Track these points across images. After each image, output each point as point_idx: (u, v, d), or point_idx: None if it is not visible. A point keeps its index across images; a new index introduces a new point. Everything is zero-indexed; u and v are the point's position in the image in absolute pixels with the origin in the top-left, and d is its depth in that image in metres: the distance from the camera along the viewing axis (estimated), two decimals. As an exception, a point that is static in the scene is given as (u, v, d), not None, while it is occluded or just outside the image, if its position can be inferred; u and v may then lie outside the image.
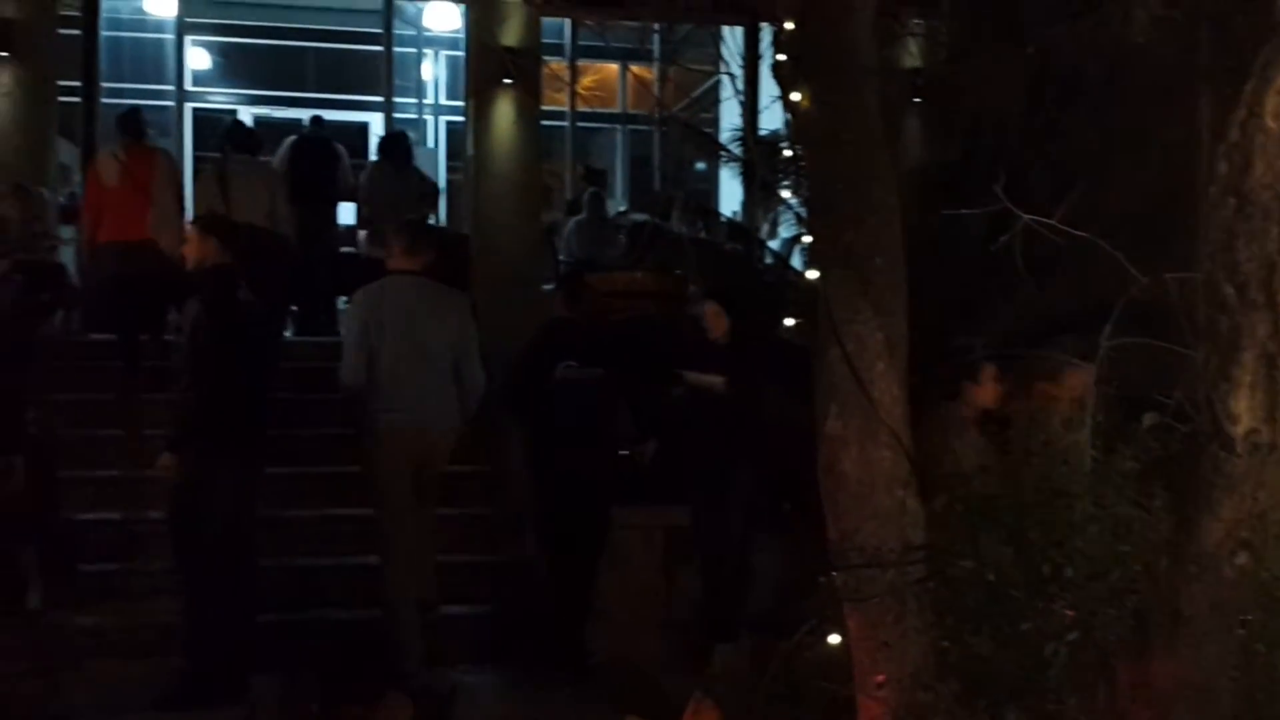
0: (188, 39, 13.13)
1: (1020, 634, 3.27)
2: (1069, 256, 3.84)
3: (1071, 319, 4.81)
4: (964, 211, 3.87)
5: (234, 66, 14.47)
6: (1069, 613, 3.24)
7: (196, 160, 12.93)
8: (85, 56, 10.67)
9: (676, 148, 11.45)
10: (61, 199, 10.23)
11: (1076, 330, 4.48)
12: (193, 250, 5.83)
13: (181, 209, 8.30)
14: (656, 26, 9.08)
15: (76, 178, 11.04)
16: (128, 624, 6.22)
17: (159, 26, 13.40)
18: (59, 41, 9.98)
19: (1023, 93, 5.36)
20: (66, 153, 10.76)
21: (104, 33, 11.16)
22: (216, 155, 9.16)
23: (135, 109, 8.98)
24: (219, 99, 13.90)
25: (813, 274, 3.81)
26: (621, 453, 6.65)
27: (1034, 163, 5.06)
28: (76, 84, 10.58)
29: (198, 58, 14.06)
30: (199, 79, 13.98)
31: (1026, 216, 3.50)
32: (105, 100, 11.05)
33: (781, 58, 3.93)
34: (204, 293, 5.68)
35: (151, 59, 13.41)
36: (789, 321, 5.07)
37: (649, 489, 6.79)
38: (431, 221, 10.91)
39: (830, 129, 3.69)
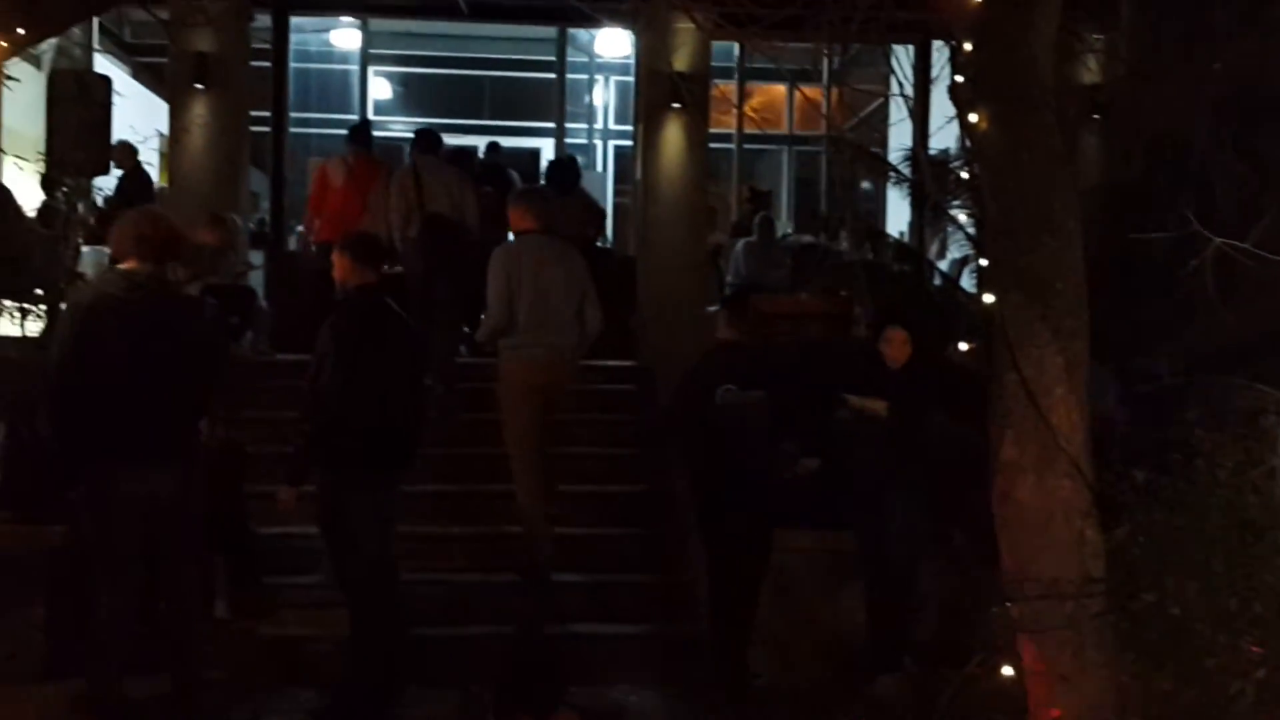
0: (370, 70, 13.62)
1: (1204, 671, 3.16)
2: (1255, 278, 3.70)
3: (1260, 343, 4.63)
4: (1150, 236, 3.76)
5: (413, 95, 14.99)
6: (1256, 649, 3.12)
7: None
8: (275, 88, 11.19)
9: (844, 168, 11.39)
10: (252, 225, 10.73)
11: (1264, 355, 4.30)
12: (337, 271, 5.77)
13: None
14: (827, 48, 9.06)
15: (265, 204, 11.58)
16: (308, 635, 6.43)
17: (344, 58, 13.95)
18: (251, 74, 10.49)
19: (1207, 109, 5.17)
20: (256, 180, 11.28)
21: (293, 65, 11.69)
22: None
23: (366, 121, 9.59)
24: (399, 127, 14.41)
25: (988, 297, 3.75)
26: (785, 476, 6.61)
27: (1219, 181, 4.88)
28: (266, 114, 11.10)
29: (379, 88, 14.59)
30: (380, 108, 14.50)
31: (1218, 239, 3.39)
32: (293, 130, 11.57)
33: (959, 79, 3.89)
34: (334, 319, 5.60)
35: (337, 89, 13.97)
36: (962, 346, 4.99)
37: (813, 512, 6.73)
38: (599, 244, 11.07)
39: (1009, 149, 3.63)
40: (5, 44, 6.24)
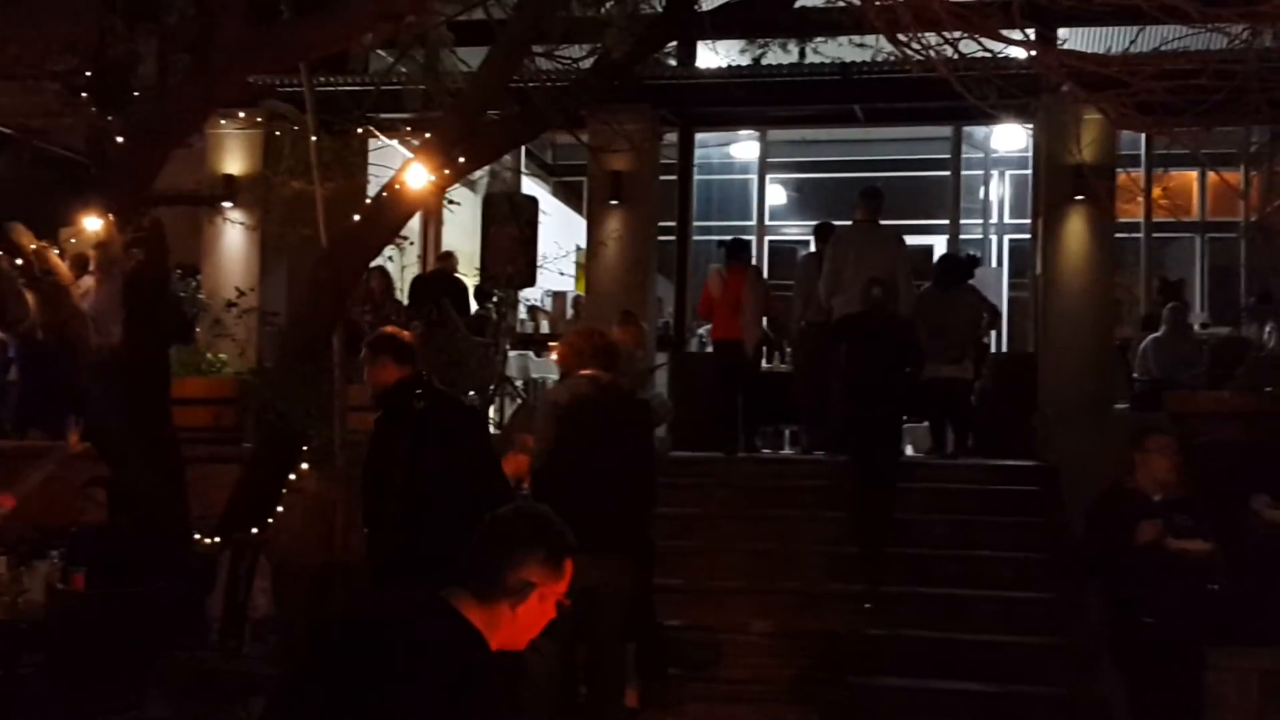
0: (768, 178, 14.07)
1: None
2: None
3: None
4: None
5: (807, 200, 15.34)
6: None
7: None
8: (680, 200, 11.79)
9: (1269, 255, 10.60)
10: (657, 329, 11.31)
11: None
12: (370, 374, 5.30)
13: (762, 316, 10.20)
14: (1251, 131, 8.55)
15: (669, 309, 12.17)
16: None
17: (743, 169, 14.50)
18: (659, 188, 11.13)
19: None
20: (660, 286, 11.88)
21: (696, 178, 12.29)
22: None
23: (739, 239, 10.72)
24: (791, 231, 14.79)
25: None
26: (1211, 587, 6.14)
27: None
28: (671, 224, 11.72)
29: (775, 194, 15.02)
30: (775, 213, 14.91)
31: None
32: (695, 238, 12.13)
33: None
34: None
35: (737, 198, 14.52)
36: None
37: (1244, 629, 6.22)
38: (987, 341, 10.83)
39: None
40: (449, 171, 6.99)
